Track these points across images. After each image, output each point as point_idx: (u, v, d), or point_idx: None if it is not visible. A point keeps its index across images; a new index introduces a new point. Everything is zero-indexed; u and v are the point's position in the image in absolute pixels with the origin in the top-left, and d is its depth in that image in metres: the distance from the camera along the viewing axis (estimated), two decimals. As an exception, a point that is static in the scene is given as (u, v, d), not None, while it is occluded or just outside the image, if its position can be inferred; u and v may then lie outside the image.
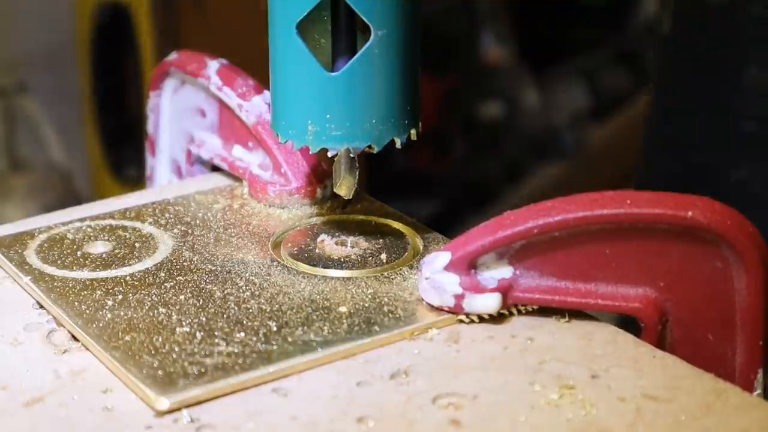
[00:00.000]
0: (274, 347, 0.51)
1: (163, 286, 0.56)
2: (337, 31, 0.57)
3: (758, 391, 0.53)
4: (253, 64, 0.72)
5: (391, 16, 0.54)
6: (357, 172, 0.58)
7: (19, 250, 0.60)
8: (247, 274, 0.58)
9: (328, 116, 0.56)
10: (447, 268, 0.54)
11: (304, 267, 0.58)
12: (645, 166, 0.98)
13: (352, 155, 0.57)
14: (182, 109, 0.71)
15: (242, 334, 0.52)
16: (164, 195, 0.67)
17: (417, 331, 0.53)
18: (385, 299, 0.55)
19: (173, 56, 0.70)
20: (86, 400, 0.49)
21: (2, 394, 0.49)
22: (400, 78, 0.56)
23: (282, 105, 0.57)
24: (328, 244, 0.60)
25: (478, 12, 1.93)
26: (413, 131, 0.57)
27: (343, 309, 0.54)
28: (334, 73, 0.55)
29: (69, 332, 0.54)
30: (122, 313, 0.54)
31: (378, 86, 0.55)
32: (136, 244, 0.61)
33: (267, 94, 0.65)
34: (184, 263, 0.59)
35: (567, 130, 2.02)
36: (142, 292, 0.56)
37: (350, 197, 0.60)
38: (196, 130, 0.70)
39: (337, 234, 0.61)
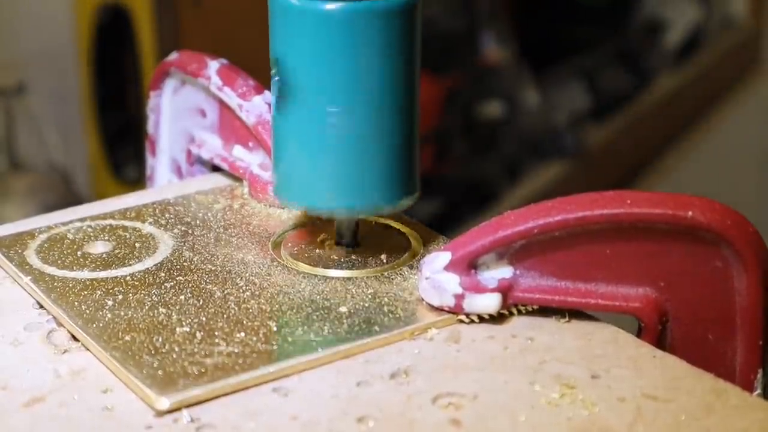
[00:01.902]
0: (275, 347, 0.51)
1: (163, 286, 0.56)
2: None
3: (758, 391, 0.53)
4: (253, 64, 0.72)
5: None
6: (357, 227, 0.59)
7: (20, 250, 0.60)
8: (248, 274, 0.58)
9: (326, 184, 0.56)
10: (447, 268, 0.54)
11: (304, 267, 0.58)
12: None
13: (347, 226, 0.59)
14: (182, 109, 0.71)
15: (242, 334, 0.52)
16: (164, 195, 0.67)
17: (417, 330, 0.53)
18: (386, 299, 0.55)
19: (173, 56, 0.70)
20: (86, 400, 0.49)
21: (2, 394, 0.49)
22: (398, 148, 0.57)
23: (281, 170, 0.58)
24: (328, 244, 0.60)
25: (478, 12, 1.93)
26: (411, 197, 0.58)
27: (343, 309, 0.54)
28: (331, 142, 0.56)
29: (69, 332, 0.54)
30: (122, 313, 0.54)
31: (374, 157, 0.56)
32: (137, 244, 0.61)
33: (267, 94, 0.65)
34: (185, 263, 0.59)
35: (567, 130, 2.02)
36: (142, 292, 0.56)
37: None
38: (197, 130, 0.70)
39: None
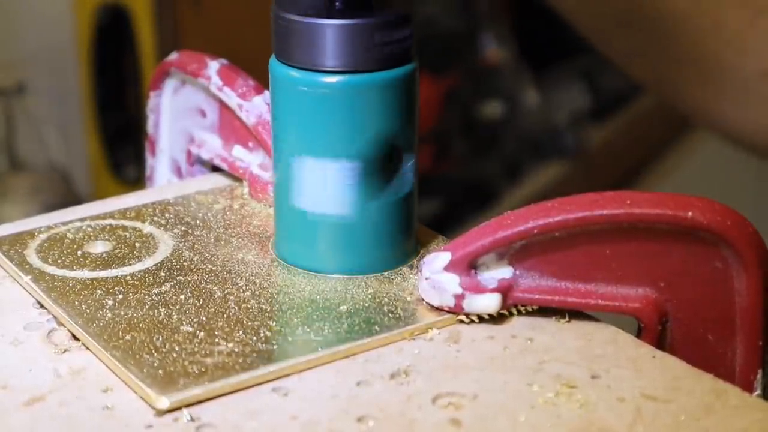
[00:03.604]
0: (275, 347, 0.51)
1: (163, 286, 0.57)
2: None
3: (758, 392, 0.54)
4: (253, 64, 0.72)
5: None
6: None
7: (20, 250, 0.60)
8: (248, 274, 0.58)
9: (323, 249, 0.57)
10: (447, 268, 0.54)
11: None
12: None
13: None
14: (182, 109, 0.71)
15: (242, 333, 0.52)
16: (164, 195, 0.67)
17: (417, 331, 0.53)
18: (385, 299, 0.55)
19: (173, 56, 0.70)
20: (86, 399, 0.49)
21: (2, 393, 0.49)
22: (397, 213, 0.57)
23: (279, 230, 0.59)
24: (328, 244, 0.60)
25: (477, 12, 1.93)
26: (410, 259, 0.58)
27: (343, 309, 0.54)
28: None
29: (69, 331, 0.54)
30: (122, 313, 0.54)
31: (374, 222, 0.57)
32: (137, 244, 0.61)
33: (267, 94, 0.65)
34: (185, 263, 0.59)
35: (567, 130, 2.02)
36: (143, 291, 0.56)
37: None
38: (196, 130, 0.71)
39: (337, 234, 0.61)
